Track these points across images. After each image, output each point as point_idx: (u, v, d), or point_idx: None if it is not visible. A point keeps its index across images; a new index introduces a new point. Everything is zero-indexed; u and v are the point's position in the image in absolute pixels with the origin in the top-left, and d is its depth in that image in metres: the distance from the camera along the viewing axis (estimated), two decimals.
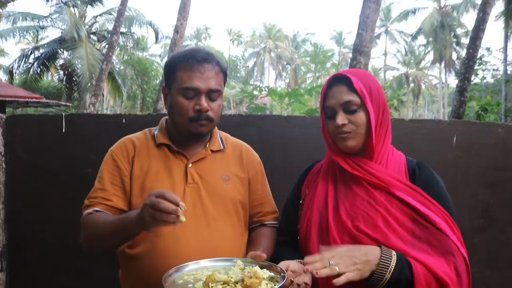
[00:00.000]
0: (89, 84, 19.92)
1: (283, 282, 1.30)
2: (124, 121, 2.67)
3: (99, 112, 19.94)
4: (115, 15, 16.39)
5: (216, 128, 1.78)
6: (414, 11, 41.24)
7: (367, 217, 1.44)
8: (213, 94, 1.62)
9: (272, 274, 1.36)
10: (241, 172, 1.77)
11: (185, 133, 1.66)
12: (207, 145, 1.73)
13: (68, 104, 19.83)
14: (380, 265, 1.31)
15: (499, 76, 27.82)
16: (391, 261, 1.31)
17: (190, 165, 1.67)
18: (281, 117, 2.69)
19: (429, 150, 2.73)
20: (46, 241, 2.76)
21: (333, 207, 1.52)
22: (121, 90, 23.85)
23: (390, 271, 1.30)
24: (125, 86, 25.96)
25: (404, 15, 42.45)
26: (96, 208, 1.60)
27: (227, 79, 1.77)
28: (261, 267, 1.39)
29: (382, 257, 1.31)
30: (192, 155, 1.69)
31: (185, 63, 1.61)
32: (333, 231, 1.47)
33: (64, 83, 22.32)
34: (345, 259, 1.29)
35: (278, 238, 1.74)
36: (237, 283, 1.31)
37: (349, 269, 1.28)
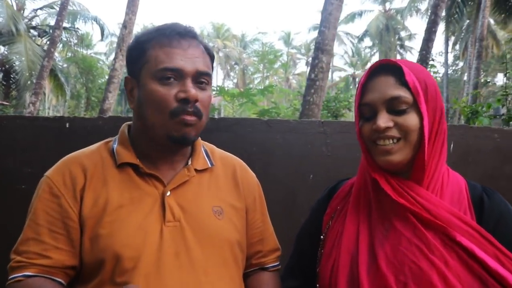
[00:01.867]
0: (29, 82, 18.88)
1: None
2: (68, 126, 2.17)
3: (40, 112, 18.92)
4: (57, 9, 15.61)
5: (198, 137, 1.30)
6: (360, 14, 42.15)
7: (417, 271, 1.02)
8: (202, 78, 1.18)
9: None
10: (237, 200, 1.30)
11: (161, 141, 1.17)
12: (189, 163, 1.25)
13: (5, 103, 18.64)
14: None
15: (439, 79, 28.91)
16: None
17: (168, 193, 1.18)
18: (261, 121, 2.28)
19: None
20: None
21: (367, 252, 1.09)
22: (64, 88, 22.78)
23: None
24: (68, 84, 24.87)
25: (351, 17, 43.27)
26: (27, 273, 1.10)
27: None
28: None
29: None
30: (169, 179, 1.21)
31: (160, 37, 1.16)
32: (363, 284, 1.06)
33: (1, 80, 20.99)
34: None
35: (289, 283, 1.32)
36: None
37: None
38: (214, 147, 1.40)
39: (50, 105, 35.74)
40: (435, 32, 10.83)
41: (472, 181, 1.20)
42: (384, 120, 1.08)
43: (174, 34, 1.16)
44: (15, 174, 2.17)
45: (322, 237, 1.25)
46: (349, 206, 1.20)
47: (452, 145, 2.50)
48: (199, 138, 1.30)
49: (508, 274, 0.99)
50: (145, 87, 1.16)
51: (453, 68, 34.89)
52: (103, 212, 1.13)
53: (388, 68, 1.12)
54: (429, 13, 11.53)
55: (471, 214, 1.10)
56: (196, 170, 1.25)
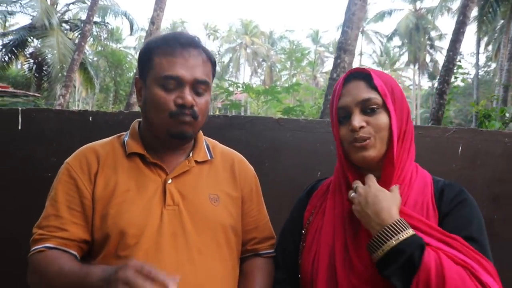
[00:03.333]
0: (59, 75, 19.31)
1: None
2: (90, 119, 2.32)
3: (70, 104, 19.36)
4: (89, 3, 15.93)
5: (201, 133, 1.46)
6: (390, 12, 41.59)
7: None
8: (199, 86, 1.31)
9: None
10: (233, 190, 1.44)
11: (162, 136, 1.32)
12: (190, 155, 1.39)
13: (37, 94, 19.09)
14: (393, 226, 1.09)
15: (470, 80, 28.34)
16: (405, 230, 1.08)
17: (169, 181, 1.33)
18: (272, 120, 2.38)
19: (434, 160, 2.49)
20: None
21: (342, 245, 1.23)
22: (94, 81, 23.20)
23: (399, 238, 1.07)
24: (97, 78, 25.32)
25: (380, 16, 42.78)
26: (48, 244, 1.25)
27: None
28: None
29: (399, 222, 1.10)
30: (172, 168, 1.35)
31: (165, 47, 1.29)
32: (340, 274, 1.19)
33: (33, 72, 21.56)
34: (364, 198, 1.15)
35: (276, 275, 1.43)
36: None
37: (355, 207, 1.17)
38: (217, 142, 1.54)
39: (80, 97, 36.55)
40: (463, 33, 10.65)
41: (437, 177, 1.32)
42: (358, 120, 1.21)
43: (177, 45, 1.29)
44: (42, 163, 2.31)
45: (303, 231, 1.37)
46: (327, 204, 1.33)
47: (460, 148, 2.53)
48: (201, 133, 1.46)
49: (448, 249, 1.10)
50: (150, 90, 1.30)
51: (485, 69, 34.15)
52: (112, 194, 1.29)
53: (359, 75, 1.26)
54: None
55: (432, 203, 1.22)
56: (196, 161, 1.39)
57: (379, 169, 1.25)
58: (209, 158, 1.44)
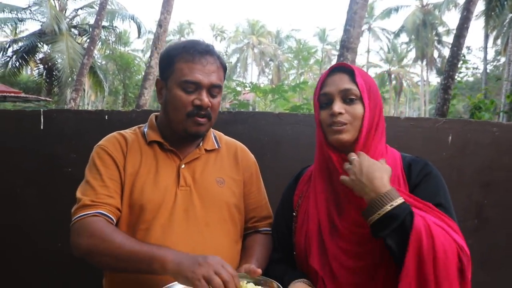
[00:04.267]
0: (69, 79, 19.54)
1: None
2: (106, 118, 2.52)
3: (80, 108, 19.62)
4: (97, 8, 16.11)
5: None
6: (396, 9, 41.50)
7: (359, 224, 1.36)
8: (214, 90, 1.51)
9: None
10: (236, 174, 1.66)
11: (179, 132, 1.52)
12: (201, 144, 1.61)
13: (48, 99, 19.43)
14: (386, 195, 1.25)
15: (479, 75, 28.22)
16: (397, 198, 1.25)
17: (183, 166, 1.54)
18: (273, 115, 2.58)
19: (425, 149, 2.65)
20: (20, 245, 2.61)
21: (327, 219, 1.43)
22: (103, 85, 23.49)
23: (392, 204, 1.24)
24: (106, 81, 25.62)
25: (387, 13, 42.69)
26: (101, 211, 1.41)
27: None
28: (256, 283, 1.31)
29: (391, 191, 1.26)
30: (185, 155, 1.57)
31: (185, 54, 1.49)
32: (327, 242, 1.39)
33: (44, 77, 21.87)
34: (359, 168, 1.30)
35: (273, 255, 1.62)
36: None
37: (351, 176, 1.31)
38: (222, 134, 1.76)
39: (89, 101, 36.84)
40: (467, 28, 10.70)
41: (405, 154, 1.52)
42: (338, 106, 1.40)
43: (196, 53, 1.48)
44: (62, 159, 2.52)
45: (294, 214, 1.58)
46: (311, 187, 1.53)
47: (450, 138, 2.69)
48: None
49: (418, 211, 1.27)
50: (171, 91, 1.50)
51: (494, 64, 33.93)
52: (137, 174, 1.50)
53: (343, 69, 1.45)
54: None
55: (403, 176, 1.43)
56: (206, 150, 1.61)
57: (351, 151, 1.42)
58: (217, 147, 1.65)
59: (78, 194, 1.47)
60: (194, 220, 1.49)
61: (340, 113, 1.39)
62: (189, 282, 1.19)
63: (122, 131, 1.62)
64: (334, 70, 1.46)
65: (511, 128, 2.84)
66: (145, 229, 1.45)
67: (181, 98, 1.47)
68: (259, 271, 1.35)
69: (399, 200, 1.25)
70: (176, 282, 1.30)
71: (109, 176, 1.48)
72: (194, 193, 1.52)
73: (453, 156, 2.71)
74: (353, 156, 1.36)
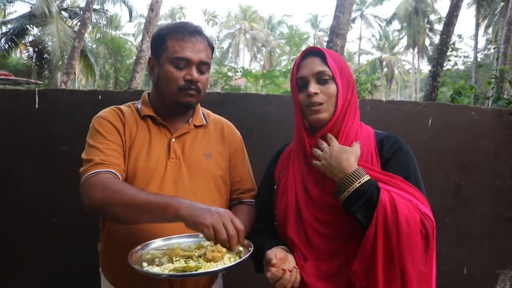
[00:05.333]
0: (60, 62, 19.36)
1: (247, 256, 1.35)
2: (100, 98, 2.61)
3: None
4: None
5: (198, 103, 1.78)
6: None
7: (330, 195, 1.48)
8: (203, 67, 1.63)
9: (240, 248, 1.40)
10: (222, 148, 1.77)
11: (171, 104, 1.63)
12: (190, 120, 1.72)
13: (38, 82, 19.18)
14: (354, 173, 1.38)
15: (470, 63, 28.36)
16: (364, 176, 1.38)
17: (173, 139, 1.66)
18: (260, 96, 2.69)
19: (405, 131, 2.77)
20: (16, 221, 2.71)
21: (303, 191, 1.55)
22: (94, 69, 23.26)
23: (360, 181, 1.36)
24: (97, 65, 25.36)
25: (379, 0, 42.62)
26: (111, 170, 1.50)
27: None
28: None
29: (358, 170, 1.39)
30: (175, 130, 1.68)
31: (176, 33, 1.60)
32: (304, 211, 1.52)
33: (34, 60, 21.65)
34: (329, 154, 1.44)
35: (255, 226, 1.73)
36: (200, 257, 1.35)
37: (322, 161, 1.45)
38: (210, 112, 1.87)
39: (80, 84, 36.53)
40: (456, 16, 10.76)
41: (378, 130, 1.63)
42: (313, 87, 1.50)
43: (186, 32, 1.60)
44: (57, 137, 2.61)
45: (275, 187, 1.69)
46: (290, 164, 1.65)
47: (430, 121, 2.81)
48: (199, 103, 1.77)
49: (385, 186, 1.40)
50: (163, 68, 1.61)
51: (485, 52, 34.10)
52: (133, 144, 1.61)
53: (315, 52, 1.55)
54: None
55: (375, 151, 1.54)
56: (194, 125, 1.72)
57: (330, 128, 1.53)
58: (205, 123, 1.76)
59: (86, 156, 1.54)
60: (182, 189, 1.60)
61: (316, 93, 1.49)
62: (199, 228, 1.30)
63: (117, 106, 1.72)
64: (306, 54, 1.57)
65: (488, 113, 2.97)
66: None
67: (173, 74, 1.59)
68: None
69: (366, 178, 1.38)
70: (155, 239, 1.46)
71: (113, 140, 1.58)
72: (183, 165, 1.63)
73: (432, 138, 2.83)
74: (322, 144, 1.49)
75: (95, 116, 1.67)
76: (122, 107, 1.71)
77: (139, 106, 1.72)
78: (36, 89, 2.63)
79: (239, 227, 1.33)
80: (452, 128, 2.86)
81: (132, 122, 1.65)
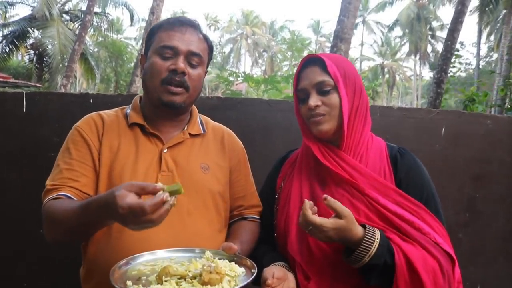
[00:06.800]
0: (60, 65, 19.33)
1: (250, 279, 1.17)
2: (91, 101, 2.45)
3: None
4: None
5: (195, 110, 1.60)
6: (391, 2, 41.44)
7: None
8: (193, 58, 1.45)
9: (242, 269, 1.23)
10: (222, 161, 1.58)
11: (157, 104, 1.45)
12: (185, 128, 1.54)
13: (38, 85, 19.15)
14: (362, 247, 1.23)
15: (471, 70, 28.32)
16: (372, 245, 1.23)
17: (165, 150, 1.46)
18: (263, 101, 2.52)
19: (417, 140, 2.61)
20: (2, 232, 2.54)
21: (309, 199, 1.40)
22: (94, 72, 23.23)
23: (370, 255, 1.23)
24: (98, 68, 25.31)
25: (382, 6, 42.66)
26: (62, 193, 1.36)
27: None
28: (231, 261, 1.25)
29: (365, 240, 1.24)
30: (168, 139, 1.49)
31: (166, 24, 1.47)
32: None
33: (34, 63, 21.59)
34: (320, 232, 1.24)
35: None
36: (195, 278, 1.15)
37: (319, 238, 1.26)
38: (209, 119, 1.68)
39: (81, 88, 36.55)
40: (461, 22, 10.67)
41: (391, 144, 1.51)
42: (314, 100, 1.40)
43: (176, 22, 1.46)
44: (45, 143, 2.44)
45: (276, 196, 1.57)
46: (295, 172, 1.52)
47: (443, 129, 2.65)
48: (196, 109, 1.59)
49: (403, 212, 1.32)
50: (149, 60, 1.45)
51: (487, 59, 34.06)
52: (116, 157, 1.43)
53: (315, 60, 1.44)
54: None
55: (389, 168, 1.42)
56: (190, 134, 1.53)
57: (337, 139, 1.44)
58: (202, 132, 1.57)
59: (49, 177, 1.43)
60: (175, 207, 1.34)
61: (317, 106, 1.40)
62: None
63: (102, 112, 1.55)
64: (306, 63, 1.46)
65: (504, 121, 2.82)
66: None
67: (157, 64, 1.42)
68: (235, 248, 1.30)
69: (376, 243, 1.24)
70: (143, 253, 1.28)
71: (78, 159, 1.42)
72: (176, 179, 1.43)
73: (446, 147, 2.67)
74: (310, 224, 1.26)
75: (75, 124, 1.51)
76: (105, 113, 1.54)
77: (128, 111, 1.53)
78: (24, 92, 2.47)
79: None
80: (466, 137, 2.71)
81: (114, 131, 1.47)
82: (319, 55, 1.46)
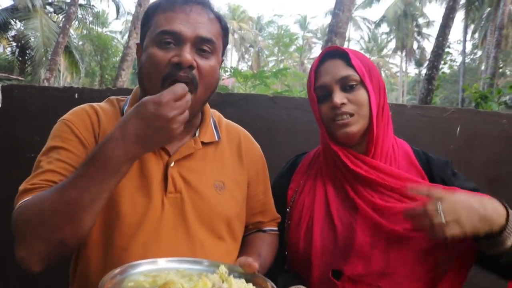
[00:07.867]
0: (44, 58, 18.94)
1: None
2: (76, 96, 2.22)
3: None
4: None
5: (208, 108, 1.28)
6: None
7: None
8: (204, 45, 1.12)
9: None
10: (239, 174, 1.29)
11: None
12: (196, 134, 1.23)
13: (20, 78, 18.75)
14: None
15: (456, 67, 28.49)
16: None
17: (172, 164, 1.16)
18: (267, 98, 2.30)
19: (431, 140, 2.43)
20: None
21: (341, 223, 1.23)
22: (79, 66, 22.80)
23: None
24: (83, 62, 24.86)
25: (369, 2, 42.73)
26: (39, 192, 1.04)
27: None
28: (247, 281, 1.01)
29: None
30: (175, 149, 1.18)
31: (165, 3, 1.13)
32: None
33: (16, 56, 21.11)
34: (460, 209, 1.02)
35: None
36: None
37: (464, 223, 1.01)
38: (221, 116, 1.39)
39: (64, 82, 35.99)
40: (452, 18, 10.65)
41: (414, 147, 1.35)
42: (339, 97, 1.22)
43: (178, 1, 1.13)
44: (25, 142, 2.20)
45: (288, 210, 1.37)
46: (317, 182, 1.33)
47: (458, 129, 2.48)
48: (209, 107, 1.29)
49: None
50: (146, 52, 1.14)
51: (471, 57, 34.30)
52: None
53: (335, 54, 1.27)
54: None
55: (422, 173, 1.25)
56: (203, 142, 1.23)
57: (360, 144, 1.27)
58: (216, 139, 1.27)
59: (28, 178, 1.10)
60: (185, 239, 1.13)
61: (343, 104, 1.22)
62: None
63: (94, 104, 1.23)
64: (325, 56, 1.28)
65: None
66: (123, 247, 1.09)
67: (156, 56, 1.09)
68: (256, 266, 1.05)
69: None
70: (140, 261, 1.02)
71: (67, 160, 1.09)
72: (186, 202, 1.15)
73: (461, 149, 2.50)
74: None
75: (61, 118, 1.21)
76: (100, 106, 1.23)
77: (125, 107, 1.22)
78: (0, 85, 2.21)
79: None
80: (481, 137, 2.53)
81: (113, 124, 1.06)
82: (342, 48, 1.29)
